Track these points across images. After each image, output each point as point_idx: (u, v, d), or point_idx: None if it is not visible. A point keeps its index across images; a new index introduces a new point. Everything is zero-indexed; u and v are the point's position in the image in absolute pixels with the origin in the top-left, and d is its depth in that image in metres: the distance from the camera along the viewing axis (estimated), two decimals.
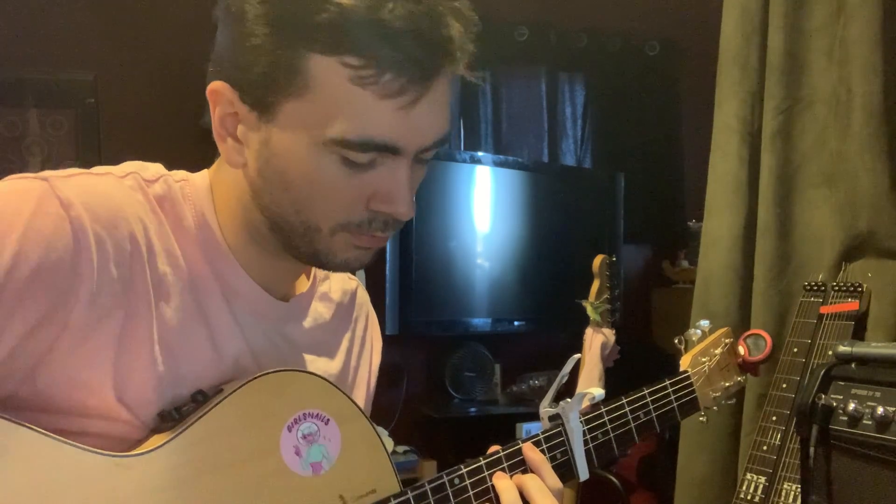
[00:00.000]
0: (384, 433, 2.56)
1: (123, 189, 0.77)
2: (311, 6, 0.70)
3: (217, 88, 0.75)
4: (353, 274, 1.02)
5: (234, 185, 0.81)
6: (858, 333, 1.63)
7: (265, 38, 0.71)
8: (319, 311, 0.93)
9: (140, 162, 0.82)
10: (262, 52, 0.71)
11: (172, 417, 0.74)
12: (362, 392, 0.99)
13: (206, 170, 0.85)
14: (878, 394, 1.24)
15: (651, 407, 1.04)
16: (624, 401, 1.02)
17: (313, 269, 0.94)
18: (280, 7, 0.71)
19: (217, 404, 0.75)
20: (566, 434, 0.95)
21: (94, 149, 2.67)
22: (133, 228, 0.75)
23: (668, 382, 1.07)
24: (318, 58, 0.71)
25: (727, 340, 1.18)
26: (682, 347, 1.16)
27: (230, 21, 0.74)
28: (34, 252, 0.69)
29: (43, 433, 0.67)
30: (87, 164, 0.80)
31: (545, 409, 0.96)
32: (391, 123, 0.73)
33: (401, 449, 2.73)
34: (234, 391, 0.76)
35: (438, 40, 0.72)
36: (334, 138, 0.72)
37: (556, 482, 0.90)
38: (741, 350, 1.20)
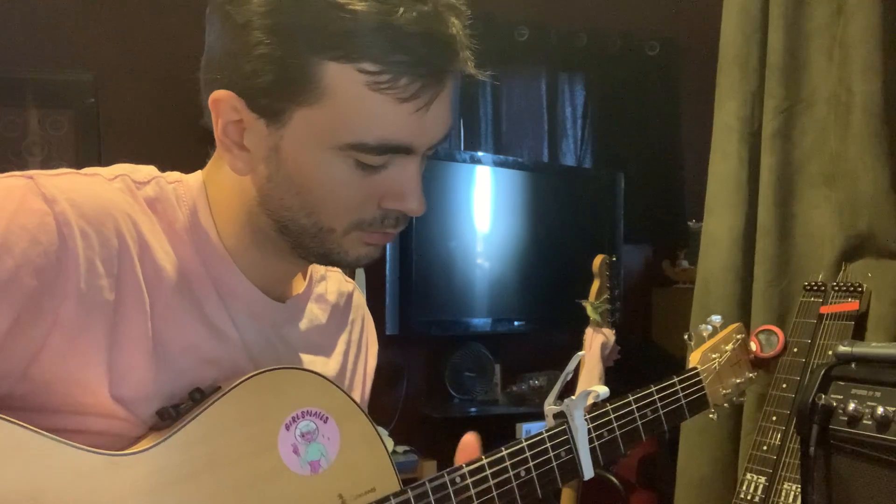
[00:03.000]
0: (384, 433, 2.56)
1: (112, 189, 0.76)
2: (323, 15, 0.69)
3: (221, 97, 0.74)
4: (354, 273, 1.02)
5: (237, 189, 0.80)
6: (858, 333, 1.63)
7: (274, 46, 0.71)
8: (315, 312, 0.93)
9: (131, 164, 0.82)
10: (271, 60, 0.71)
11: (170, 415, 0.74)
12: (357, 395, 0.98)
13: (199, 171, 0.85)
14: (878, 394, 1.24)
15: (659, 404, 1.03)
16: (631, 398, 1.01)
17: (310, 269, 0.94)
18: (289, 16, 0.70)
19: (214, 402, 0.75)
20: (571, 432, 0.94)
21: (94, 149, 2.67)
22: (120, 225, 0.74)
23: (676, 380, 1.06)
24: (333, 65, 0.70)
25: (739, 336, 1.16)
26: (692, 343, 1.15)
27: (233, 29, 0.73)
28: (17, 246, 0.68)
29: (38, 432, 0.67)
30: (87, 164, 0.80)
31: (549, 406, 0.96)
32: (407, 125, 0.73)
33: (401, 449, 2.73)
34: (232, 389, 0.76)
35: (446, 40, 0.73)
36: (351, 143, 0.73)
37: None
38: (753, 346, 1.18)
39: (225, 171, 0.80)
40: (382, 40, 0.70)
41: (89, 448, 0.69)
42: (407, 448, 2.74)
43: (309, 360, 0.90)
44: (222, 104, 0.75)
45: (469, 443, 0.91)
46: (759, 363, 1.19)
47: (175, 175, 0.84)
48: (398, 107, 0.72)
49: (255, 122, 0.74)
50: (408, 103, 0.72)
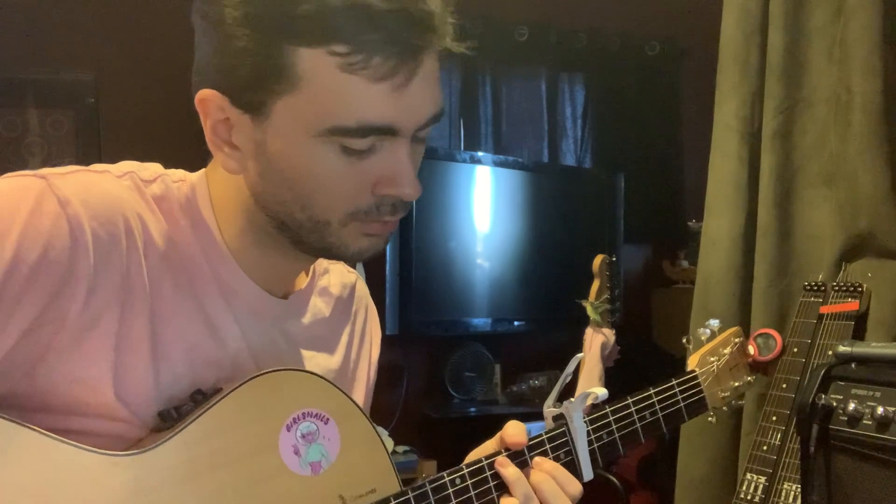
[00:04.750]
0: (384, 433, 2.56)
1: (121, 187, 0.77)
2: (290, 0, 0.69)
3: (205, 97, 0.74)
4: (355, 267, 1.02)
5: (234, 189, 0.80)
6: (858, 333, 1.63)
7: (247, 39, 0.70)
8: (319, 306, 0.93)
9: (137, 162, 0.82)
10: (247, 53, 0.71)
11: (171, 417, 0.74)
12: (362, 385, 0.98)
13: (203, 169, 0.85)
14: (878, 394, 1.24)
15: (657, 407, 1.02)
16: (630, 400, 1.01)
17: (312, 263, 0.93)
18: (259, 5, 0.70)
19: (215, 404, 0.75)
20: (570, 434, 0.94)
21: (94, 149, 2.67)
22: (130, 225, 0.75)
23: (674, 382, 1.06)
24: (305, 51, 0.70)
25: (737, 340, 1.16)
26: (690, 347, 1.15)
27: (209, 27, 0.73)
28: (33, 251, 0.68)
29: (40, 432, 0.67)
30: (87, 164, 0.80)
31: (549, 408, 0.96)
32: (386, 105, 0.72)
33: (401, 449, 2.73)
34: (233, 390, 0.76)
35: (421, 16, 0.71)
36: (331, 128, 0.72)
37: (576, 487, 0.89)
38: (751, 349, 1.19)
39: (224, 172, 0.80)
40: (352, 20, 0.69)
41: (91, 448, 0.70)
42: (407, 448, 2.74)
43: (312, 355, 0.90)
44: (208, 104, 0.75)
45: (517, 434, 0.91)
46: (757, 367, 1.19)
47: (179, 174, 0.84)
48: (373, 86, 0.71)
49: (241, 118, 0.74)
50: (384, 83, 0.71)
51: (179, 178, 0.83)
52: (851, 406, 1.24)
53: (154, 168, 0.82)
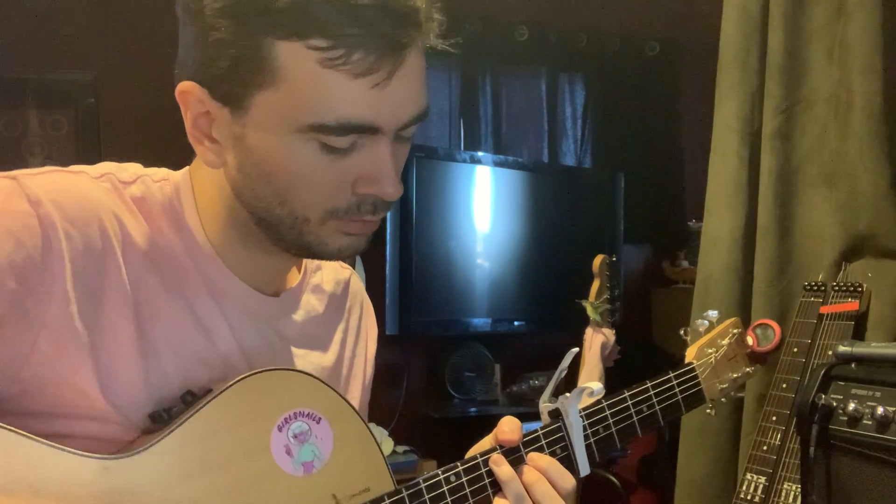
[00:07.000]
0: (384, 433, 2.55)
1: (98, 188, 0.76)
2: None
3: (186, 89, 0.73)
4: (353, 265, 1.01)
5: (216, 184, 0.79)
6: (858, 333, 1.63)
7: (227, 30, 0.69)
8: (312, 303, 0.92)
9: (116, 163, 0.81)
10: (226, 45, 0.70)
11: (162, 418, 0.73)
12: (359, 383, 0.97)
13: (186, 167, 0.84)
14: (878, 394, 1.24)
15: (654, 400, 1.01)
16: (626, 394, 1.00)
17: (304, 261, 0.92)
18: None
19: (206, 405, 0.74)
20: (566, 429, 0.93)
21: (94, 149, 2.67)
22: (105, 225, 0.74)
23: (671, 374, 1.05)
24: (284, 44, 0.69)
25: (735, 331, 1.15)
26: (688, 339, 1.14)
27: (189, 18, 0.72)
28: (2, 249, 0.67)
29: (32, 437, 0.67)
30: (87, 164, 0.80)
31: (544, 403, 0.95)
32: (367, 103, 0.71)
33: (401, 449, 2.73)
34: (224, 391, 0.75)
35: (405, 11, 0.70)
36: (310, 125, 0.71)
37: (570, 482, 0.88)
38: (750, 340, 1.18)
39: (207, 168, 0.79)
40: (331, 14, 0.68)
41: (82, 452, 0.69)
42: (407, 448, 2.74)
43: (305, 353, 0.89)
44: (188, 96, 0.74)
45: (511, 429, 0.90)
46: (755, 358, 1.18)
47: (161, 173, 0.83)
48: (354, 82, 0.69)
49: (220, 112, 0.73)
50: (363, 78, 0.69)
51: (162, 178, 0.81)
52: (851, 406, 1.24)
53: (134, 169, 0.81)
